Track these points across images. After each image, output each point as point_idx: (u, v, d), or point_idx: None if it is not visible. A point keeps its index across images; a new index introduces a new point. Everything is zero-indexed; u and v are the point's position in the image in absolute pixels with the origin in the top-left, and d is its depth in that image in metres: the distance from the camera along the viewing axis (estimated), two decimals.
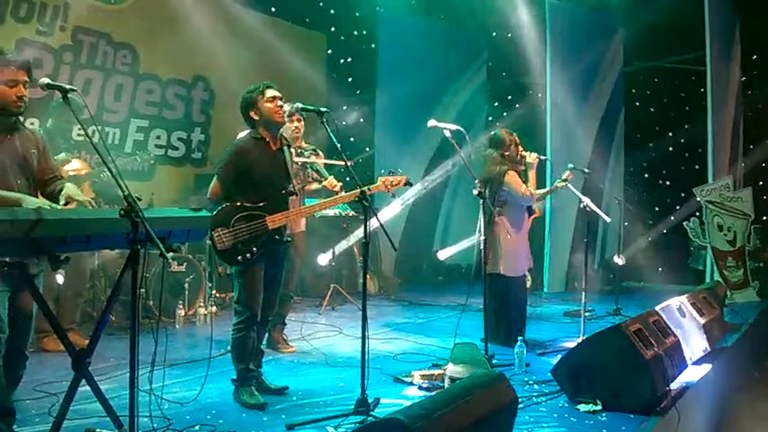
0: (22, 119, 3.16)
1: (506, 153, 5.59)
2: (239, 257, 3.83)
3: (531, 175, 5.60)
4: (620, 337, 3.86)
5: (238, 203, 3.86)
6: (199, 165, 8.34)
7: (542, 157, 5.71)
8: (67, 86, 2.89)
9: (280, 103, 4.01)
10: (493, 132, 5.86)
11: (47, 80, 2.88)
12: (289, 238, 4.04)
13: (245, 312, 3.94)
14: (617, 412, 3.74)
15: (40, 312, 2.99)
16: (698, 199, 8.38)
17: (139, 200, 2.65)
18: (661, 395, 3.92)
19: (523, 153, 5.63)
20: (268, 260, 3.98)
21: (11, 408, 3.05)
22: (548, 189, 6.18)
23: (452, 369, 4.25)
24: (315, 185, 5.31)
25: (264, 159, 3.99)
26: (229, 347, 4.15)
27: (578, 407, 3.84)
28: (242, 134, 4.25)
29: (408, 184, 4.17)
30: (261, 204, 3.90)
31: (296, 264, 5.35)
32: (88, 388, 2.90)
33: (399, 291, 9.03)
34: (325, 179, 5.15)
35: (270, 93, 4.02)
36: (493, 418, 2.68)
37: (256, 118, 4.00)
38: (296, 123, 5.13)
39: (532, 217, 5.82)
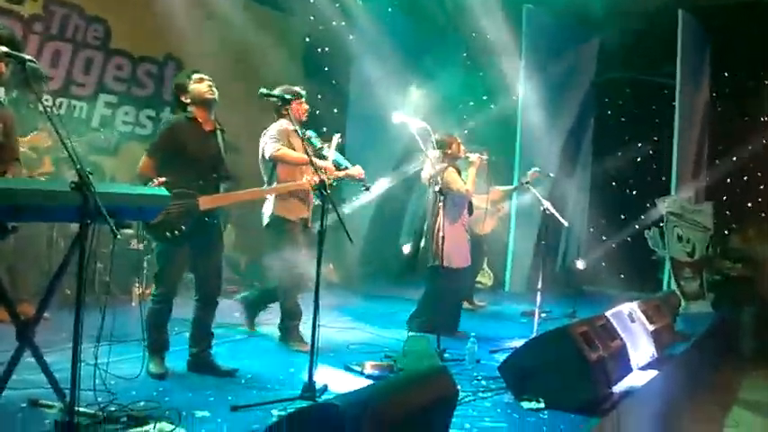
0: None
1: (448, 152, 5.86)
2: (167, 233, 3.88)
3: (471, 172, 5.83)
4: (565, 338, 3.94)
5: (171, 180, 3.84)
6: None
7: (484, 157, 5.86)
8: (26, 57, 2.84)
9: (209, 82, 4.09)
10: (438, 137, 5.97)
11: (4, 48, 2.86)
12: (215, 220, 4.08)
13: (161, 288, 4.06)
14: (559, 411, 3.79)
15: None
16: (660, 210, 8.55)
17: (91, 174, 2.65)
18: (603, 397, 4.01)
19: (468, 154, 5.85)
20: (197, 242, 4.03)
21: None
22: (510, 188, 6.27)
23: (402, 361, 4.33)
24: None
25: (196, 140, 4.05)
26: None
27: (522, 403, 3.91)
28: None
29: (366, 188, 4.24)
30: (193, 184, 3.95)
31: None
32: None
33: (363, 282, 9.06)
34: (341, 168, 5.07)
35: (197, 75, 4.12)
36: (430, 409, 2.73)
37: (187, 101, 4.10)
38: (305, 105, 5.16)
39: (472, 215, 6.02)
